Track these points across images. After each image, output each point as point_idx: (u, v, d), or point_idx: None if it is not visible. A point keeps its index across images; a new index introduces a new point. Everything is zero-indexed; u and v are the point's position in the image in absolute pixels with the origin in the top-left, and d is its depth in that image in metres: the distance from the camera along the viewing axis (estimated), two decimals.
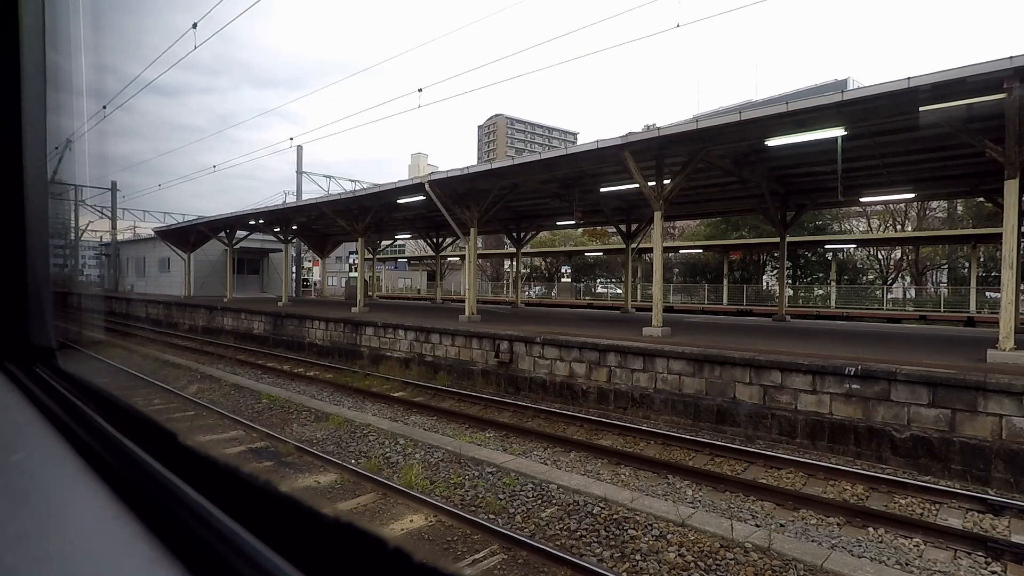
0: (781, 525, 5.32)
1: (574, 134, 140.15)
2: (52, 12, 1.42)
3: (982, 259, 28.77)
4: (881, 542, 5.06)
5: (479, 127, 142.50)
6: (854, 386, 7.32)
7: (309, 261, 39.67)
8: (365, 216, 18.37)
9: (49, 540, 0.62)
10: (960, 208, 34.55)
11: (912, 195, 17.06)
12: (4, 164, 1.30)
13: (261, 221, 23.08)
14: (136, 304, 29.27)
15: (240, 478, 0.62)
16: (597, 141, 10.97)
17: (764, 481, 6.50)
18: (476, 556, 4.50)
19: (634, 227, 19.96)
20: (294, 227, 25.43)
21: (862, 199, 16.76)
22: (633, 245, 20.23)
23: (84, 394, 1.09)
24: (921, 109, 8.00)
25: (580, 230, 47.77)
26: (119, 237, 38.98)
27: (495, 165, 13.24)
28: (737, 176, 13.63)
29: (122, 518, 0.63)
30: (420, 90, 19.26)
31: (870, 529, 5.30)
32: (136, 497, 0.67)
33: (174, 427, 0.81)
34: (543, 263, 51.60)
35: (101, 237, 40.22)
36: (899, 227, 36.96)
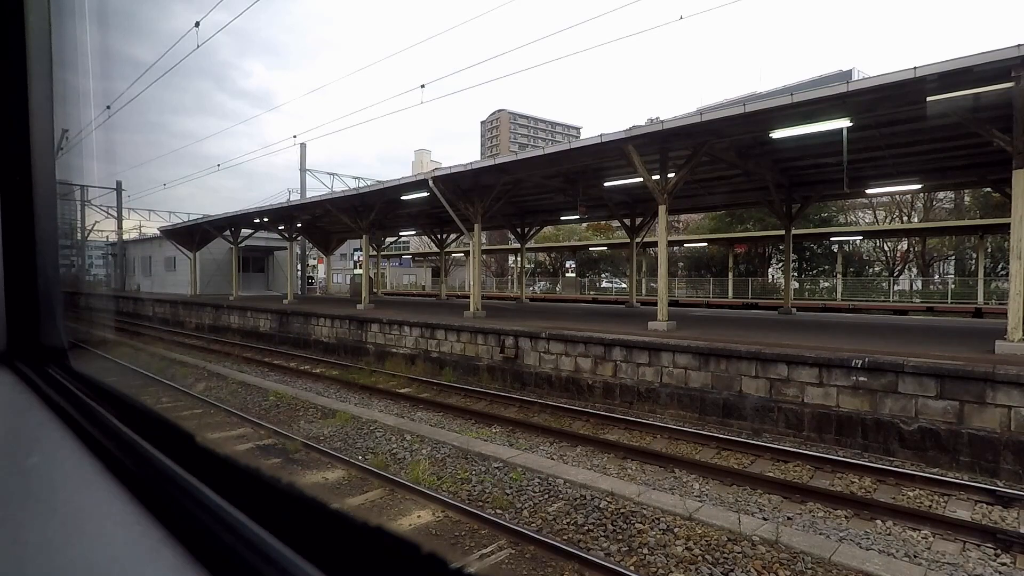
0: (788, 518, 5.32)
1: (577, 128, 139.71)
2: (58, 10, 1.42)
3: (990, 250, 28.54)
4: (889, 534, 5.05)
5: (482, 123, 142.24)
6: (861, 378, 7.29)
7: (314, 259, 39.75)
8: (369, 213, 18.38)
9: (73, 547, 0.61)
10: (967, 198, 34.24)
11: (918, 186, 16.91)
12: (12, 165, 1.30)
13: (266, 219, 23.13)
14: (143, 303, 29.43)
15: (262, 480, 0.61)
16: (601, 135, 10.92)
17: (771, 474, 6.49)
18: (484, 551, 4.52)
19: (638, 221, 19.89)
20: (299, 225, 25.47)
21: (868, 191, 16.65)
22: (637, 239, 20.16)
23: (98, 395, 1.09)
24: (928, 99, 7.93)
25: (584, 225, 47.64)
26: (125, 236, 39.14)
27: (498, 160, 13.21)
28: (742, 169, 13.56)
29: (144, 523, 0.62)
30: (423, 86, 19.26)
31: (878, 522, 5.29)
32: (157, 501, 0.67)
33: (190, 428, 0.80)
34: (547, 258, 51.54)
35: (107, 237, 40.42)
36: (905, 218, 36.69)
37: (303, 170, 30.44)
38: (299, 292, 29.74)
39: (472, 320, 13.55)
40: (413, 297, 36.58)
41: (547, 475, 6.10)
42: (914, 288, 32.34)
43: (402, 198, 17.05)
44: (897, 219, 36.78)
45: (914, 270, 34.77)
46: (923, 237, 31.71)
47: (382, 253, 37.75)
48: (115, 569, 0.58)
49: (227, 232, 25.33)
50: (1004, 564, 4.53)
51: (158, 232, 31.62)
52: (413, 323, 13.87)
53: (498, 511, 5.25)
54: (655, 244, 22.15)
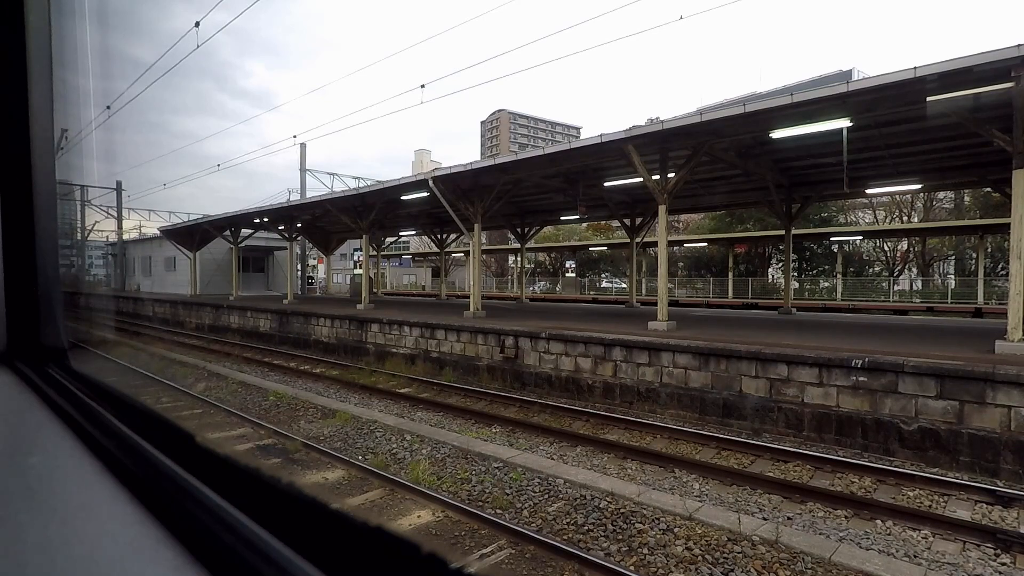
0: (788, 518, 5.32)
1: (577, 128, 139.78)
2: (58, 10, 1.42)
3: (990, 250, 28.53)
4: (889, 534, 5.05)
5: (482, 122, 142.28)
6: (861, 378, 7.29)
7: (314, 259, 39.76)
8: (369, 213, 18.38)
9: (73, 547, 0.61)
10: (967, 198, 34.24)
11: (919, 186, 16.91)
12: (12, 165, 1.30)
13: (266, 219, 23.12)
14: (143, 303, 29.43)
15: (262, 480, 0.60)
16: (601, 135, 10.93)
17: (771, 474, 6.49)
18: (484, 551, 4.52)
19: (638, 221, 19.89)
20: (298, 225, 25.50)
21: (868, 191, 16.65)
22: (637, 239, 20.17)
23: (98, 395, 1.08)
24: (928, 99, 7.93)
25: (584, 225, 47.67)
26: (125, 236, 39.13)
27: (498, 160, 13.21)
28: (742, 168, 13.56)
29: (144, 523, 0.62)
30: (423, 86, 19.27)
31: (878, 521, 5.29)
32: (156, 501, 0.67)
33: (191, 428, 0.80)
34: (547, 258, 51.55)
35: (107, 237, 40.40)
36: (905, 218, 36.68)
37: (303, 170, 30.45)
38: (299, 292, 29.74)
39: (472, 320, 13.55)
40: (413, 297, 36.59)
41: (547, 475, 6.10)
42: (914, 288, 32.35)
43: (402, 198, 17.05)
44: (897, 219, 36.78)
45: (914, 270, 34.77)
46: (923, 237, 31.71)
47: (382, 253, 37.75)
48: (115, 569, 0.58)
49: (227, 232, 25.33)
50: (1004, 564, 4.54)
51: (158, 232, 31.62)
52: (413, 323, 13.87)
53: (498, 511, 5.25)
54: (655, 244, 22.16)
